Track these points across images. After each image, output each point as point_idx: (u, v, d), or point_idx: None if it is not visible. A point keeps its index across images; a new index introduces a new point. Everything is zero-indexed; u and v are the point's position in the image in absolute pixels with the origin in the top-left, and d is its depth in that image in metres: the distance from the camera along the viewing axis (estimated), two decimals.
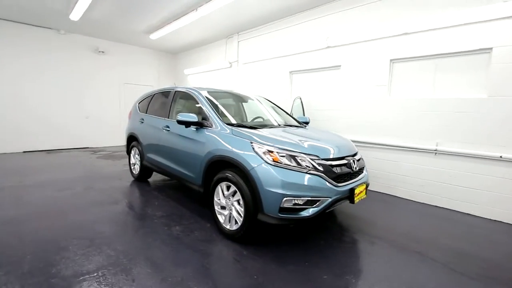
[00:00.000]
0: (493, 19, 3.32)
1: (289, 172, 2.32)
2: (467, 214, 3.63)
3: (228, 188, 2.71)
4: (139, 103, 4.94)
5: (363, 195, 2.73)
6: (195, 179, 3.18)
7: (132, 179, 4.86)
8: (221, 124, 2.98)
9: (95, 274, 2.10)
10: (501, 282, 2.19)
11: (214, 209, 2.89)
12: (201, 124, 3.13)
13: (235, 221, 2.65)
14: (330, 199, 2.39)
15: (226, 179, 2.68)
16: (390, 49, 4.26)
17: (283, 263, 2.36)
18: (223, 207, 2.82)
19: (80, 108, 7.98)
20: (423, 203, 4.01)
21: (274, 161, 2.37)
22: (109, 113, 8.53)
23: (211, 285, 2.02)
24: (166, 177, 5.05)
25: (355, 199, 2.57)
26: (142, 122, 4.45)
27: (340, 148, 2.79)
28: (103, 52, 8.09)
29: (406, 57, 4.12)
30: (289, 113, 4.89)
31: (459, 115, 3.70)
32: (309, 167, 2.38)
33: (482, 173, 3.53)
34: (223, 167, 2.83)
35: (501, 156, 3.34)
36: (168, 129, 3.72)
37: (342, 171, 2.60)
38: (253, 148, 2.49)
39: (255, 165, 2.39)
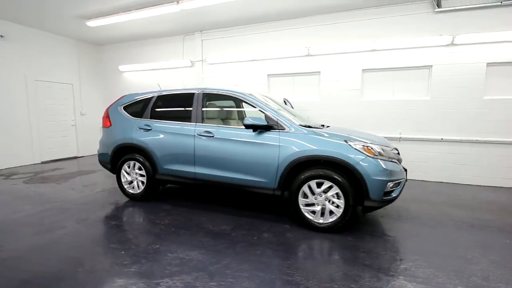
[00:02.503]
0: (433, 46, 4.89)
1: (384, 162, 2.81)
2: (422, 180, 5.19)
3: (318, 185, 2.90)
4: (123, 107, 4.09)
5: None
6: (267, 184, 3.13)
7: (126, 200, 3.97)
8: (296, 126, 3.10)
9: None
10: (484, 214, 3.48)
11: (299, 208, 3.00)
12: (271, 127, 3.12)
13: (329, 214, 2.89)
14: (404, 180, 3.05)
15: (318, 176, 2.87)
16: (362, 61, 5.39)
17: (385, 238, 2.84)
18: (309, 204, 2.97)
19: None
20: None
21: (371, 154, 2.79)
22: (13, 120, 6.18)
23: (372, 270, 2.26)
24: (167, 192, 4.41)
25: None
26: (149, 130, 3.76)
27: (386, 141, 3.51)
28: (1, 36, 5.76)
29: (374, 68, 5.35)
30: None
31: (412, 111, 5.19)
32: (391, 156, 2.94)
33: (430, 151, 5.14)
34: (306, 167, 2.97)
35: (442, 139, 5.01)
36: (209, 135, 3.38)
37: (399, 158, 3.31)
38: (350, 146, 2.82)
39: (359, 160, 2.74)
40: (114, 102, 4.27)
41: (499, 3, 4.39)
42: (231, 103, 3.96)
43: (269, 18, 5.85)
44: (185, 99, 3.78)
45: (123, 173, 3.98)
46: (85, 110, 7.84)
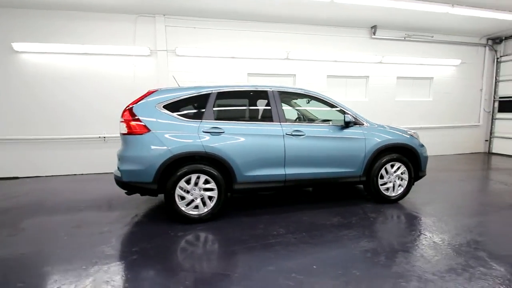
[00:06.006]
0: (370, 62, 6.79)
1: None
2: None
3: (392, 166, 3.70)
4: (163, 106, 3.15)
5: None
6: (354, 172, 3.57)
7: (186, 225, 3.12)
8: (369, 121, 3.73)
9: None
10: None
11: (379, 188, 3.68)
12: (355, 123, 3.57)
13: (396, 187, 3.75)
14: None
15: (393, 160, 3.66)
16: (327, 68, 6.60)
17: (428, 197, 4.06)
18: (383, 184, 3.72)
19: None
20: None
21: (417, 138, 3.89)
22: None
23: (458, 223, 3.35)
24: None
25: None
26: (220, 133, 3.14)
27: None
28: None
29: (335, 75, 6.70)
30: None
31: (357, 110, 6.96)
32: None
33: None
34: (382, 154, 3.68)
35: None
36: (299, 133, 3.35)
37: None
38: (411, 135, 3.80)
39: (417, 144, 3.77)
40: (140, 100, 3.16)
41: (403, 39, 6.83)
42: (302, 101, 3.95)
43: (251, 18, 5.87)
44: (256, 97, 3.45)
45: (178, 192, 3.06)
46: None
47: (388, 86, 7.06)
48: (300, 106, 4.20)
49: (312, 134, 3.43)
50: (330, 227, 3.05)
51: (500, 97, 7.47)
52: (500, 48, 7.37)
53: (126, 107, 3.12)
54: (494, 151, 7.66)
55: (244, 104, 3.58)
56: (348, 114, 3.57)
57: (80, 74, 5.46)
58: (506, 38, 7.16)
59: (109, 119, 5.66)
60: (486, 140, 7.83)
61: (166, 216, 3.35)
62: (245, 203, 3.86)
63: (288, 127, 3.37)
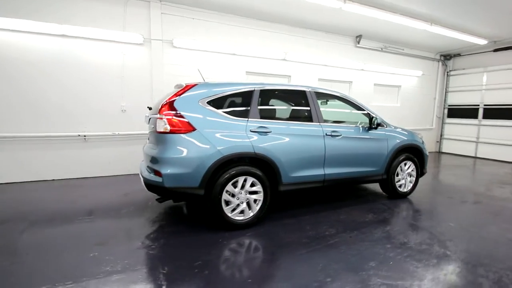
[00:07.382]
0: (354, 68, 7.32)
1: None
2: None
3: (405, 165, 4.06)
4: (207, 102, 2.88)
5: None
6: (378, 171, 3.80)
7: (232, 233, 2.89)
8: (389, 124, 4.01)
9: None
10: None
11: (395, 185, 4.00)
12: (380, 124, 3.81)
13: (407, 184, 4.15)
14: None
15: (407, 158, 4.03)
16: (318, 72, 6.87)
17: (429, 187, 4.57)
18: (398, 180, 4.06)
19: None
20: None
21: (422, 139, 4.36)
22: None
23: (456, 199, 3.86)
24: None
25: None
26: (267, 133, 2.99)
27: None
28: None
29: (325, 78, 7.01)
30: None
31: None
32: None
33: None
34: (399, 153, 3.99)
35: None
36: (337, 134, 3.42)
37: None
38: (418, 135, 4.22)
39: (422, 143, 4.21)
40: (180, 94, 2.77)
41: (381, 49, 7.56)
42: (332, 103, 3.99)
43: (252, 15, 5.71)
44: (295, 96, 3.40)
45: (224, 196, 2.80)
46: None
47: (367, 91, 7.72)
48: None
49: (347, 134, 3.54)
50: (372, 223, 3.18)
51: (449, 105, 8.89)
52: (450, 63, 8.78)
53: (165, 101, 2.72)
54: (443, 150, 9.08)
55: (284, 103, 3.48)
56: (374, 116, 3.79)
57: (56, 60, 4.52)
58: (454, 55, 8.56)
59: (91, 111, 4.85)
60: (437, 141, 9.23)
61: (197, 222, 3.07)
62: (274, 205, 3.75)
63: (327, 128, 3.41)
